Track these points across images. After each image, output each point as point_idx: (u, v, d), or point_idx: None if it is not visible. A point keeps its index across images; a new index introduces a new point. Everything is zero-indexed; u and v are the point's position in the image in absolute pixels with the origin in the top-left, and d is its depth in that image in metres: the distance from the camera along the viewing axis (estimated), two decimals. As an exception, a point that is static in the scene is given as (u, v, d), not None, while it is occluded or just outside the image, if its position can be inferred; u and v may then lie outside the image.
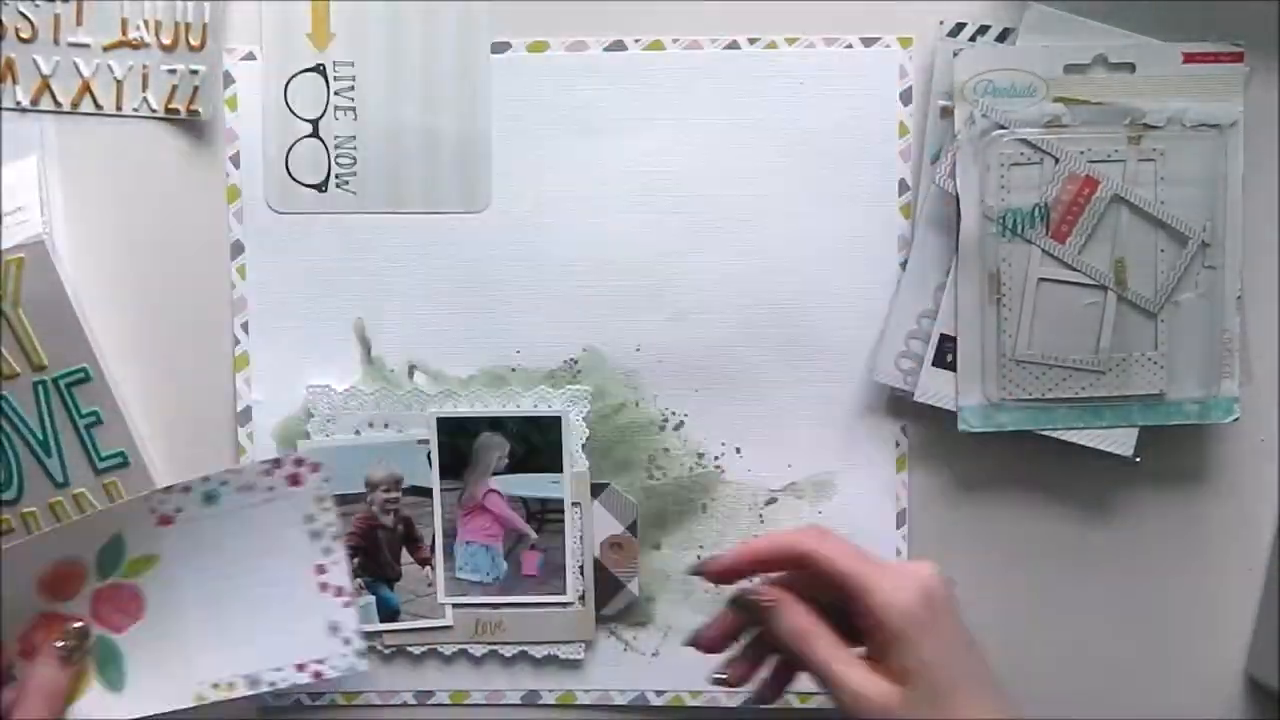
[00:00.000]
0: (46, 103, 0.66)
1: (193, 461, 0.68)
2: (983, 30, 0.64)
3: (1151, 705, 0.68)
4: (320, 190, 0.67)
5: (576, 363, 0.67)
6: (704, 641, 0.56)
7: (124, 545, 0.60)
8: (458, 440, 0.67)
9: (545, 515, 0.67)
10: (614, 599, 0.68)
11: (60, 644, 0.57)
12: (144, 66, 0.66)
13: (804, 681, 0.68)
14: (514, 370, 0.67)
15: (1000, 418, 0.65)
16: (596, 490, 0.67)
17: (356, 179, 0.66)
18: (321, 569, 0.62)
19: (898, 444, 0.67)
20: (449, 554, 0.67)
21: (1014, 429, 0.65)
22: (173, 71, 0.65)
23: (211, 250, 0.67)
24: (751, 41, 0.66)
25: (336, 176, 0.66)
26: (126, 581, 0.60)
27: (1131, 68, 0.63)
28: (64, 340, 0.65)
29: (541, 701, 0.69)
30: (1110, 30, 0.64)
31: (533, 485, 0.67)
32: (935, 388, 0.65)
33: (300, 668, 0.60)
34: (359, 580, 0.68)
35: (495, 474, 0.67)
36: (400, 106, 0.66)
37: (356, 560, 0.67)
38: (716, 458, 0.68)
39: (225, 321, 0.67)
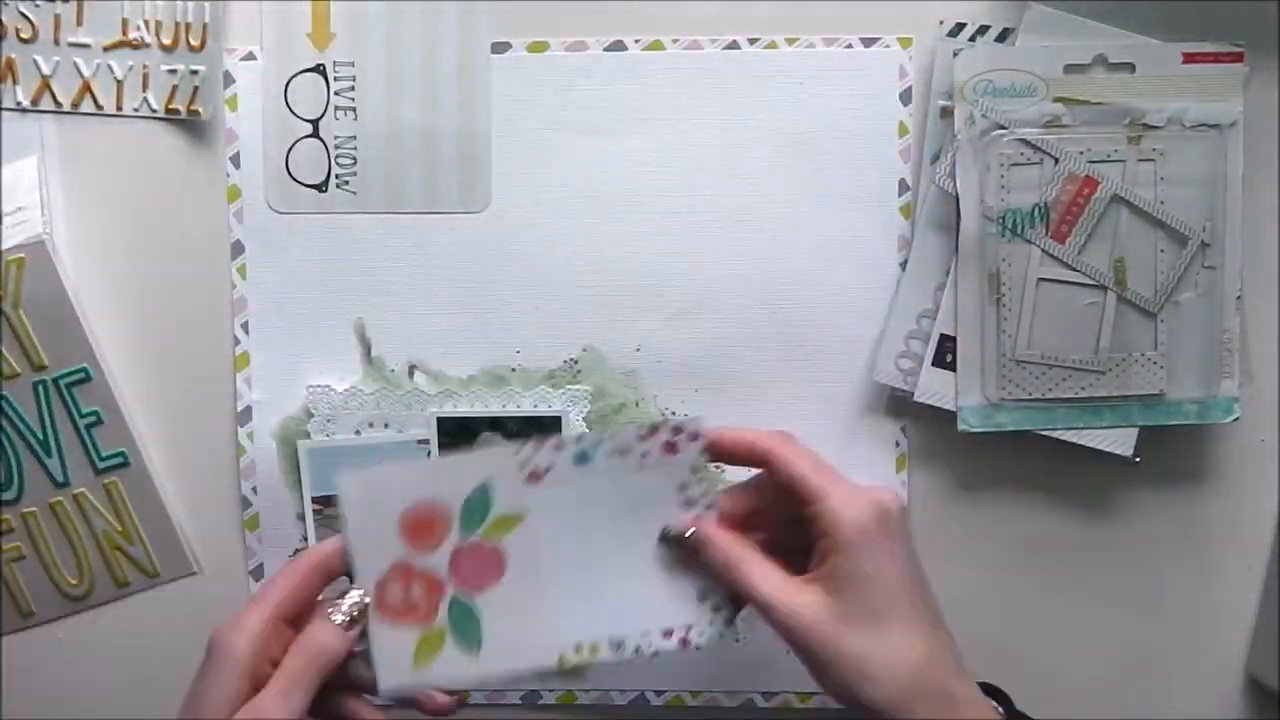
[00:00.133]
0: (47, 103, 0.66)
1: (193, 461, 0.68)
2: (983, 30, 0.64)
3: (1151, 705, 0.68)
4: (320, 190, 0.67)
5: (576, 363, 0.67)
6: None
7: (490, 499, 0.56)
8: (458, 440, 0.67)
9: (545, 515, 0.67)
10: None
11: (341, 617, 0.54)
12: (144, 66, 0.66)
13: (803, 681, 0.68)
14: (514, 370, 0.67)
15: (1000, 418, 0.65)
16: (596, 490, 0.67)
17: (356, 179, 0.66)
18: None
19: (898, 444, 0.67)
20: (449, 554, 0.67)
21: (1014, 429, 0.65)
22: (173, 71, 0.66)
23: (211, 250, 0.67)
24: (751, 41, 0.66)
25: (336, 176, 0.66)
26: (488, 543, 0.57)
27: (1131, 68, 0.63)
28: (64, 340, 0.65)
29: (541, 701, 0.69)
30: (1110, 30, 0.64)
31: (533, 485, 0.67)
32: (935, 388, 0.65)
33: (667, 634, 0.58)
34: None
35: (495, 474, 0.67)
36: (400, 106, 0.66)
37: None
38: (716, 458, 0.68)
39: (225, 321, 0.67)
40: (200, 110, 0.66)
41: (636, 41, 0.66)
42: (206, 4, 0.65)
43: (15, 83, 0.66)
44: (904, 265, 0.66)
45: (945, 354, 0.65)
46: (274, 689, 0.51)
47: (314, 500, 0.67)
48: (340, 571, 0.55)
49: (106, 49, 0.65)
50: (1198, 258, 0.64)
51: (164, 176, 0.67)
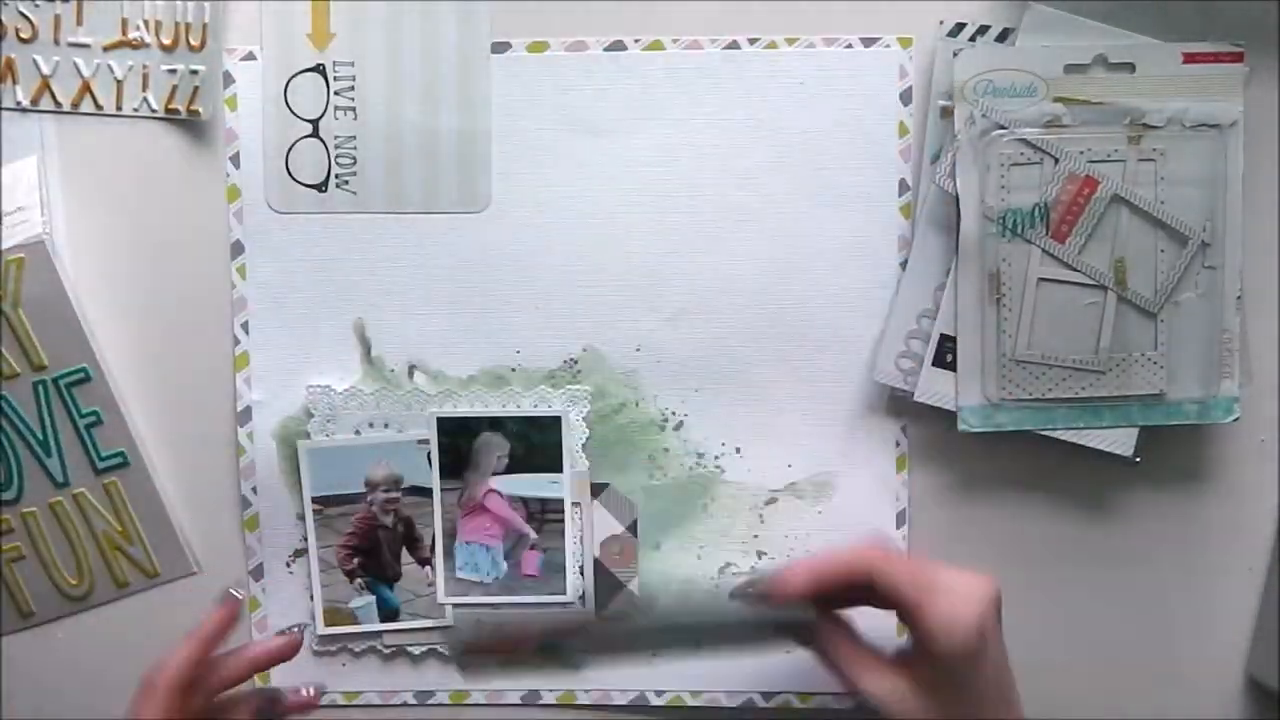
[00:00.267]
0: (46, 103, 0.66)
1: (193, 461, 0.68)
2: (983, 30, 0.64)
3: (1151, 705, 0.68)
4: (320, 190, 0.67)
5: (576, 363, 0.67)
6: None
7: None
8: (458, 440, 0.67)
9: (545, 515, 0.67)
10: (614, 599, 0.68)
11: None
12: (144, 66, 0.66)
13: (803, 681, 0.69)
14: (514, 370, 0.67)
15: (1000, 418, 0.65)
16: (596, 490, 0.67)
17: (356, 179, 0.66)
18: None
19: (898, 444, 0.67)
20: (449, 554, 0.67)
21: (1014, 429, 0.65)
22: (173, 71, 0.65)
23: (211, 250, 0.67)
24: (751, 42, 0.66)
25: (336, 176, 0.66)
26: None
27: (1131, 68, 0.63)
28: (64, 340, 0.65)
29: (541, 701, 0.69)
30: (1110, 30, 0.64)
31: (533, 485, 0.67)
32: (935, 388, 0.65)
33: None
34: (358, 580, 0.68)
35: (495, 474, 0.67)
36: (400, 106, 0.66)
37: (356, 561, 0.67)
38: (716, 458, 0.68)
39: (225, 321, 0.67)
40: (200, 110, 0.66)
41: (636, 41, 0.66)
42: (206, 4, 0.65)
43: (15, 83, 0.66)
44: (904, 265, 0.66)
45: (945, 354, 0.65)
46: None
47: (314, 500, 0.67)
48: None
49: (106, 49, 0.65)
50: (1198, 258, 0.64)
51: (164, 176, 0.67)
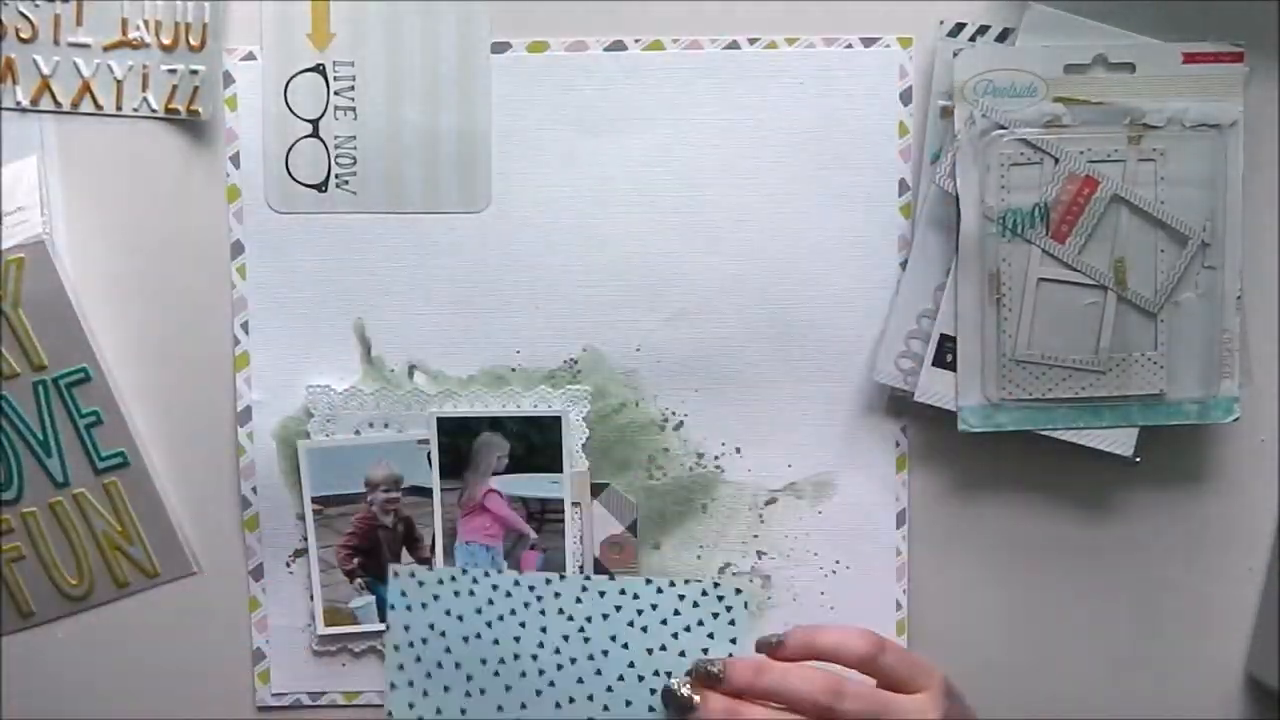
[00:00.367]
0: (46, 103, 0.66)
1: (193, 461, 0.68)
2: (983, 30, 0.64)
3: (1151, 705, 0.68)
4: (320, 190, 0.66)
5: (576, 363, 0.67)
6: None
7: None
8: (458, 440, 0.67)
9: (545, 515, 0.67)
10: (614, 599, 0.68)
11: None
12: (144, 66, 0.66)
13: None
14: (514, 370, 0.67)
15: (1000, 418, 0.65)
16: (596, 490, 0.67)
17: (356, 179, 0.66)
18: None
19: (898, 444, 0.67)
20: (449, 554, 0.67)
21: (1014, 429, 0.65)
22: (173, 71, 0.65)
23: (211, 250, 0.67)
24: (751, 41, 0.66)
25: (336, 176, 0.66)
26: None
27: (1131, 68, 0.63)
28: (64, 340, 0.65)
29: (541, 701, 0.69)
30: (1110, 30, 0.64)
31: (533, 485, 0.67)
32: (935, 388, 0.65)
33: None
34: (358, 580, 0.68)
35: (495, 474, 0.67)
36: (400, 106, 0.66)
37: (356, 561, 0.67)
38: (716, 458, 0.68)
39: (225, 321, 0.67)
40: (200, 110, 0.66)
41: (636, 41, 0.66)
42: (206, 4, 0.65)
43: (15, 83, 0.66)
44: (904, 265, 0.66)
45: (945, 354, 0.65)
46: None
47: (314, 500, 0.67)
48: None
49: (106, 49, 0.65)
50: (1198, 258, 0.64)
51: (164, 176, 0.67)
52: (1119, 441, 0.65)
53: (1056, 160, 0.63)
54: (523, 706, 0.63)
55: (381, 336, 0.67)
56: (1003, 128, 0.63)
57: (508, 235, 0.66)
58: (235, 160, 0.66)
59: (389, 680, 0.65)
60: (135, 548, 0.68)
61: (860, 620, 0.67)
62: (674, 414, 0.67)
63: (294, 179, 0.66)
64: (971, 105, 0.63)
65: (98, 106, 0.66)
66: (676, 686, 0.60)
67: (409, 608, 0.65)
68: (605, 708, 0.62)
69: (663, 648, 0.63)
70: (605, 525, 0.67)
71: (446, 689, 0.64)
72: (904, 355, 0.66)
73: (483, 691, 0.64)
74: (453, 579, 0.65)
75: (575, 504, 0.67)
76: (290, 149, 0.66)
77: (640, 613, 0.64)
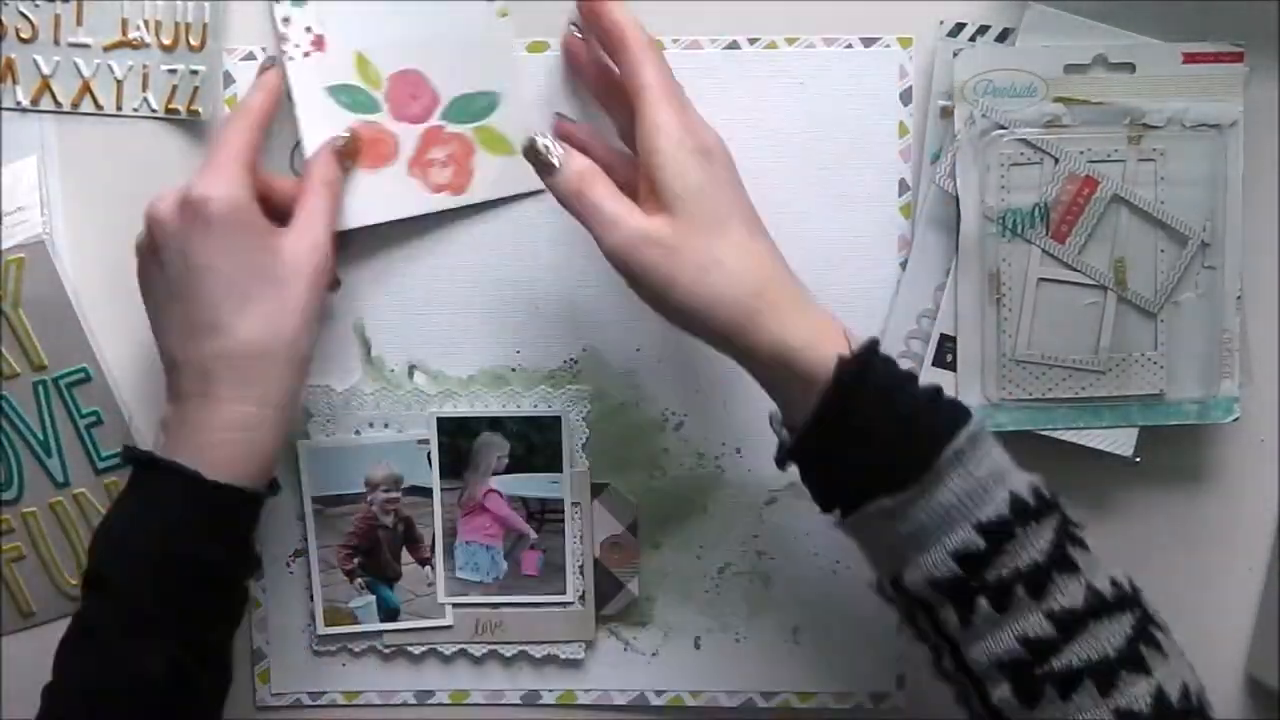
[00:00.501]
0: (46, 103, 0.66)
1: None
2: (983, 30, 0.64)
3: (1151, 705, 0.68)
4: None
5: (576, 363, 0.67)
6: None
7: None
8: (458, 440, 0.67)
9: (545, 515, 0.67)
10: (614, 599, 0.68)
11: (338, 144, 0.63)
12: (144, 66, 0.66)
13: (803, 681, 0.69)
14: (514, 370, 0.67)
15: (1000, 418, 0.65)
16: (596, 490, 0.67)
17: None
18: None
19: (898, 444, 0.67)
20: (449, 554, 0.67)
21: (1014, 429, 0.65)
22: (173, 71, 0.65)
23: (211, 250, 0.67)
24: (751, 42, 0.66)
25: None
26: None
27: (1131, 68, 0.63)
28: (64, 340, 0.65)
29: (541, 701, 0.69)
30: (1110, 30, 0.64)
31: (533, 485, 0.67)
32: (935, 388, 0.65)
33: None
34: (358, 580, 0.68)
35: (495, 474, 0.67)
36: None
37: (356, 560, 0.67)
38: (716, 458, 0.68)
39: (225, 321, 0.67)
40: (200, 110, 0.66)
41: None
42: (206, 4, 0.65)
43: (15, 83, 0.66)
44: (904, 265, 0.66)
45: (945, 354, 0.65)
46: (315, 228, 0.60)
47: (314, 500, 0.67)
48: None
49: (106, 49, 0.65)
50: (1198, 258, 0.64)
51: (164, 176, 0.66)
52: (1119, 441, 0.65)
53: (1056, 160, 0.63)
54: None
55: (381, 336, 0.67)
56: (1003, 128, 0.63)
57: (508, 235, 0.66)
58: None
59: None
60: (135, 548, 0.68)
61: (861, 621, 0.67)
62: (674, 414, 0.67)
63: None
64: (971, 105, 0.63)
65: (98, 106, 0.66)
66: (539, 142, 0.57)
67: None
68: None
69: None
70: (605, 525, 0.68)
71: None
72: (904, 355, 0.66)
73: None
74: None
75: (575, 504, 0.67)
76: (295, 149, 0.66)
77: None
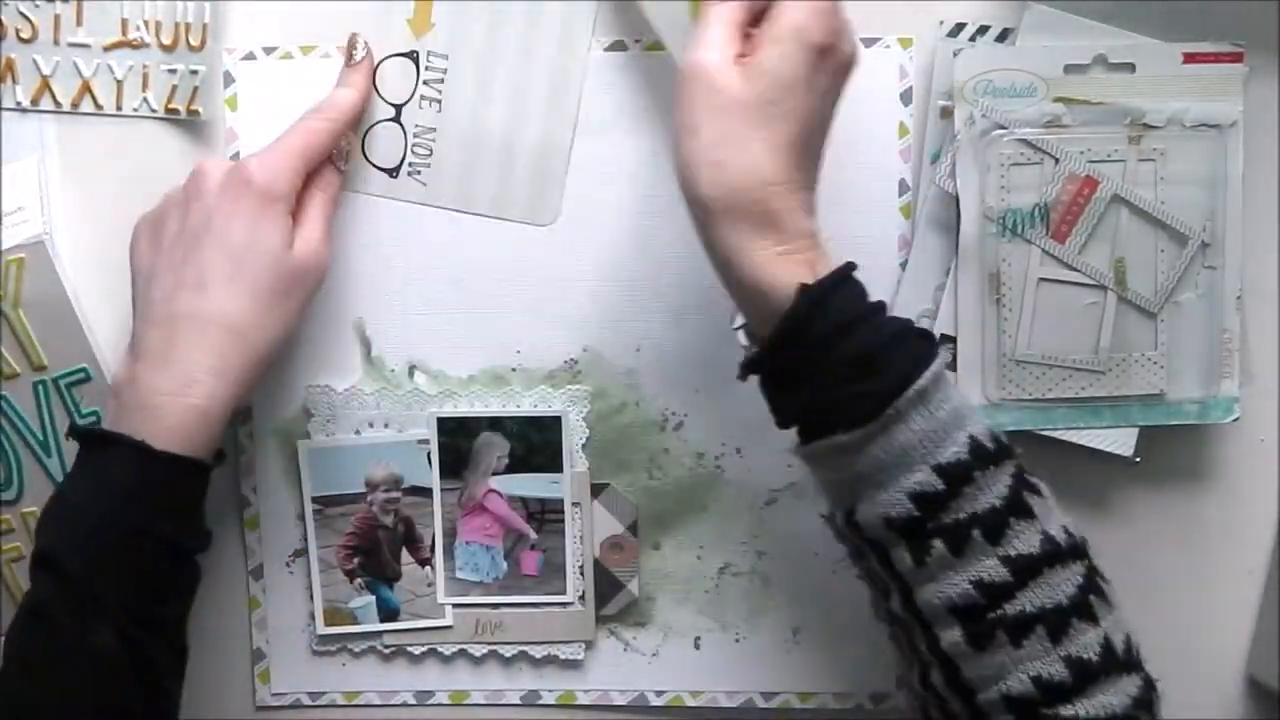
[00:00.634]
0: (46, 103, 0.66)
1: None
2: (983, 30, 0.64)
3: (1151, 705, 0.68)
4: (393, 175, 0.66)
5: (576, 363, 0.67)
6: None
7: None
8: (458, 440, 0.67)
9: (545, 515, 0.67)
10: (614, 599, 0.68)
11: (341, 164, 0.64)
12: (144, 66, 0.66)
13: (803, 681, 0.69)
14: (514, 370, 0.67)
15: (1000, 418, 0.65)
16: (596, 490, 0.67)
17: (430, 170, 0.66)
18: None
19: (898, 444, 0.67)
20: (449, 554, 0.67)
21: (1014, 429, 0.65)
22: (173, 71, 0.65)
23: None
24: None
25: (410, 164, 0.65)
26: None
27: (1131, 68, 0.63)
28: (64, 340, 0.65)
29: (541, 701, 0.69)
30: (1110, 30, 0.64)
31: (533, 485, 0.67)
32: (935, 388, 0.65)
33: None
34: (358, 580, 0.68)
35: (495, 474, 0.67)
36: (487, 108, 0.65)
37: (356, 560, 0.67)
38: (717, 458, 0.67)
39: (225, 321, 0.67)
40: (200, 110, 0.66)
41: (637, 41, 0.66)
42: (206, 4, 0.65)
43: (15, 83, 0.66)
44: (904, 265, 0.66)
45: (945, 354, 0.65)
46: (316, 232, 0.61)
47: (314, 500, 0.67)
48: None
49: (106, 49, 0.65)
50: (1198, 258, 0.64)
51: (164, 176, 0.66)
52: (1119, 441, 0.65)
53: (1056, 160, 0.63)
54: None
55: (381, 336, 0.67)
56: (1003, 128, 0.63)
57: (507, 235, 0.66)
58: (236, 159, 0.66)
59: None
60: (135, 548, 0.68)
61: (861, 621, 0.67)
62: (674, 414, 0.67)
63: (368, 160, 0.66)
64: (971, 105, 0.63)
65: (98, 106, 0.66)
66: None
67: None
68: None
69: None
70: (605, 525, 0.67)
71: None
72: (904, 355, 0.66)
73: None
74: None
75: (575, 504, 0.67)
76: (368, 130, 0.66)
77: None
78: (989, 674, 0.49)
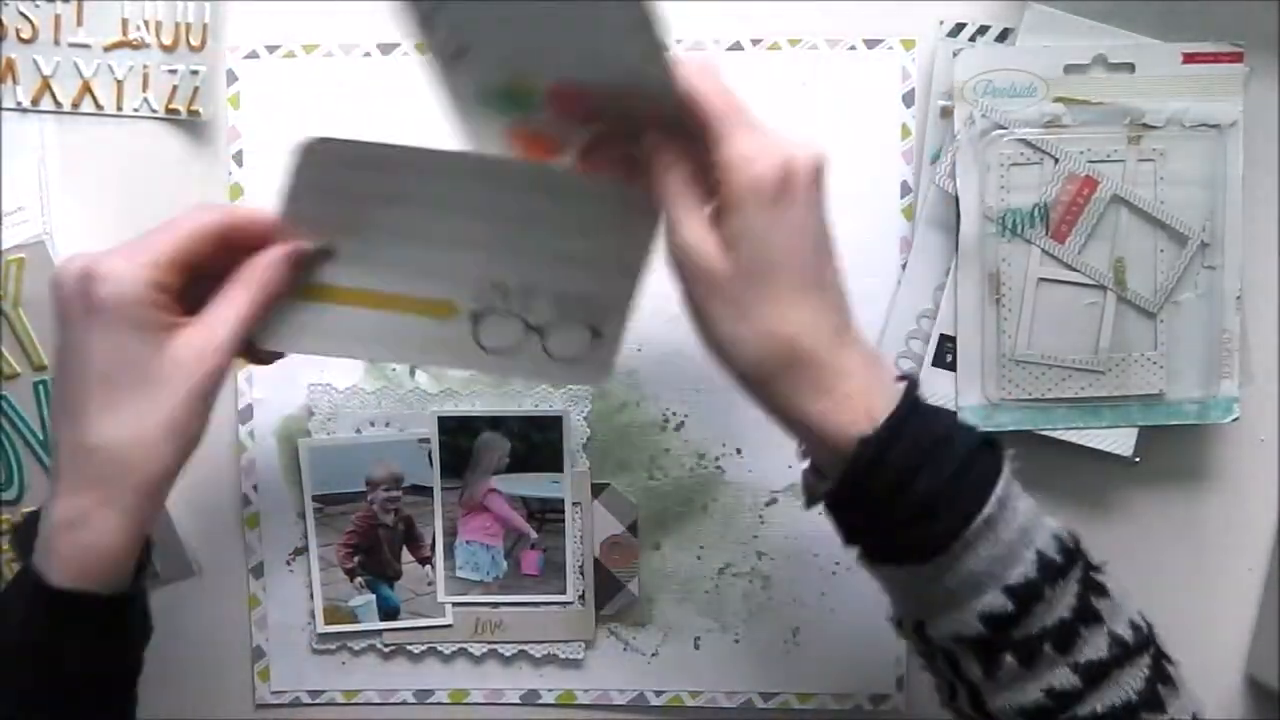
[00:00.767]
0: (47, 103, 0.66)
1: (193, 459, 0.68)
2: (983, 30, 0.64)
3: (1151, 705, 0.68)
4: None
5: (576, 362, 0.67)
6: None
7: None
8: (459, 439, 0.67)
9: (545, 515, 0.67)
10: (614, 599, 0.68)
11: (294, 251, 0.54)
12: (144, 66, 0.66)
13: (803, 681, 0.69)
14: (514, 370, 0.67)
15: (1000, 418, 0.65)
16: (596, 490, 0.67)
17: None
18: None
19: (898, 444, 0.67)
20: (449, 553, 0.67)
21: (1014, 429, 0.65)
22: (173, 71, 0.66)
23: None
24: (754, 43, 0.66)
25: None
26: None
27: (1131, 68, 0.63)
28: (64, 340, 0.65)
29: (541, 701, 0.69)
30: (1110, 30, 0.64)
31: (533, 485, 0.67)
32: (935, 388, 0.65)
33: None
34: (358, 579, 0.68)
35: (496, 473, 0.67)
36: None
37: (356, 559, 0.68)
38: (716, 458, 0.68)
39: (226, 321, 0.67)
40: (200, 110, 0.66)
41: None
42: (206, 4, 0.65)
43: (15, 83, 0.66)
44: (904, 267, 0.66)
45: (945, 354, 0.65)
46: (224, 323, 0.52)
47: (314, 498, 0.67)
48: (238, 242, 0.53)
49: (106, 49, 0.65)
50: (1198, 258, 0.64)
51: (164, 176, 0.67)
52: (1119, 441, 0.65)
53: (1056, 160, 0.63)
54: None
55: (382, 336, 0.67)
56: (1003, 128, 0.63)
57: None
58: (238, 158, 0.66)
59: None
60: (136, 547, 0.68)
61: (861, 622, 0.67)
62: (675, 414, 0.67)
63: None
64: (971, 105, 0.63)
65: (98, 106, 0.66)
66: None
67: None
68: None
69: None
70: (605, 525, 0.68)
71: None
72: (904, 355, 0.66)
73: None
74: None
75: (576, 504, 0.67)
76: None
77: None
78: None
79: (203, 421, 0.53)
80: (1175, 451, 0.67)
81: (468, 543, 0.67)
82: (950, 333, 0.65)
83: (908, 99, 0.65)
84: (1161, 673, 0.50)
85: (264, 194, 0.66)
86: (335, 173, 0.53)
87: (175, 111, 0.66)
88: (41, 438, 0.66)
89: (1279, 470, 0.67)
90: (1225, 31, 0.63)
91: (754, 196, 0.48)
